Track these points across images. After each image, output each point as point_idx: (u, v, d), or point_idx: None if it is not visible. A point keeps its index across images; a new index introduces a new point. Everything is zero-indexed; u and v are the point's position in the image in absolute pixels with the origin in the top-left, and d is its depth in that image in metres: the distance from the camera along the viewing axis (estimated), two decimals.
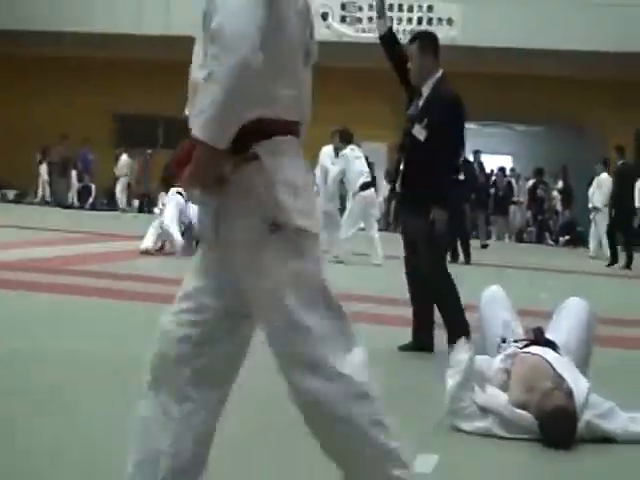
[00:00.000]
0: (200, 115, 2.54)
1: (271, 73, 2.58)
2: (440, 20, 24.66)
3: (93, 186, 26.72)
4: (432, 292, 6.81)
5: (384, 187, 23.97)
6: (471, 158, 21.64)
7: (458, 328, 6.43)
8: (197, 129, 2.54)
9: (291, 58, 2.68)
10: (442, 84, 6.80)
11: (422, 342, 6.86)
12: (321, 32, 25.57)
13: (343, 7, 24.94)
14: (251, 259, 2.68)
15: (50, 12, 26.15)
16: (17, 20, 26.21)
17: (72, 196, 27.05)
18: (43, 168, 26.86)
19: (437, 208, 6.62)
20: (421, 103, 6.76)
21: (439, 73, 6.81)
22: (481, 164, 23.72)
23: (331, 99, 24.81)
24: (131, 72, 27.30)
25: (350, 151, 13.93)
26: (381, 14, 7.10)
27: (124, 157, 26.79)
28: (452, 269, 7.11)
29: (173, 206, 13.28)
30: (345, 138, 14.07)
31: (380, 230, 22.21)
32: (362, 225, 14.21)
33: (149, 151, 27.10)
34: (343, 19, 24.59)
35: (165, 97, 27.50)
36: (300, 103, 2.73)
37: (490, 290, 5.86)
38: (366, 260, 13.99)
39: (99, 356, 5.98)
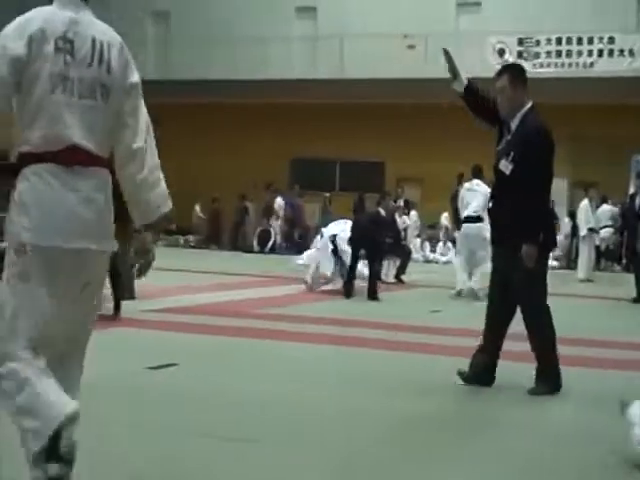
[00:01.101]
0: None
1: (24, 123, 3.29)
2: (622, 52, 23.99)
3: (272, 230, 27.02)
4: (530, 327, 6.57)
5: (566, 224, 23.40)
6: None
7: (548, 366, 6.45)
8: None
9: (42, 107, 3.27)
10: (530, 116, 6.58)
11: None
12: (496, 69, 25.10)
13: (520, 42, 24.61)
14: None
15: (227, 62, 26.99)
16: (201, 71, 27.18)
17: (252, 240, 27.21)
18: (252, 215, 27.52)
19: (526, 244, 6.34)
20: (509, 137, 6.59)
21: (528, 105, 6.62)
22: None
23: None
24: (308, 117, 27.76)
25: (468, 183, 14.36)
26: (454, 73, 6.74)
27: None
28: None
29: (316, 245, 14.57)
30: (473, 172, 14.43)
31: (561, 268, 21.66)
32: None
33: (327, 194, 27.35)
34: (520, 54, 24.24)
35: (341, 141, 27.88)
36: (56, 136, 3.28)
37: None
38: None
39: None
